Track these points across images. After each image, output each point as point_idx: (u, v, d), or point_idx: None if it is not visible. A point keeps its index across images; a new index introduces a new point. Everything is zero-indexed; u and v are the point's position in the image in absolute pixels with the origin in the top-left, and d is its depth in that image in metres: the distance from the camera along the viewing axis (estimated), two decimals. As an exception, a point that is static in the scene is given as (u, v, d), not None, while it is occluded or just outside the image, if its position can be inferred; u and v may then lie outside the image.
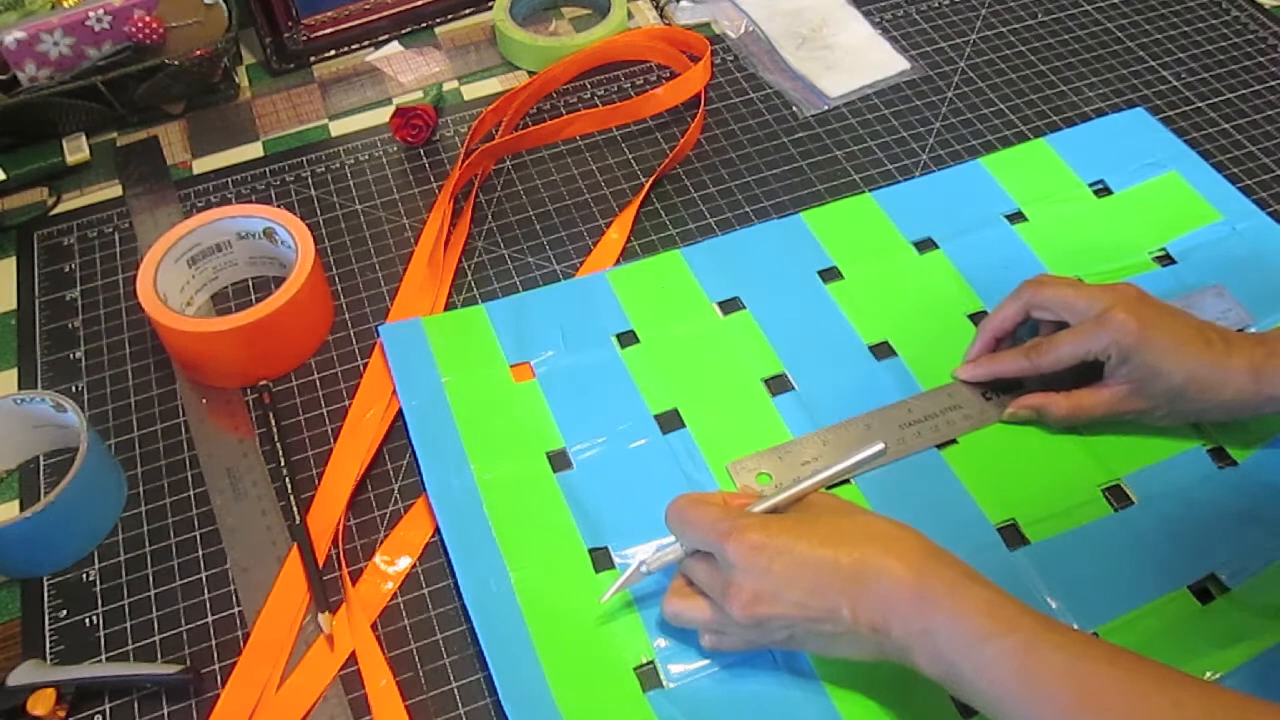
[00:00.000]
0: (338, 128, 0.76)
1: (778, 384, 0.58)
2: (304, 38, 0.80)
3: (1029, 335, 0.57)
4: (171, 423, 0.59)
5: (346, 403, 0.59)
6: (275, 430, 0.57)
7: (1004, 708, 0.38)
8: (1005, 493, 0.53)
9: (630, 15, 0.83)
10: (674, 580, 0.47)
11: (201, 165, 0.74)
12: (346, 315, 0.64)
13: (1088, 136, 0.71)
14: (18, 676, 0.47)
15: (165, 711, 0.48)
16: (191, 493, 0.55)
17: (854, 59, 0.79)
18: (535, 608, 0.49)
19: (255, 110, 0.78)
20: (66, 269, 0.67)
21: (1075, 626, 0.47)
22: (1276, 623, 0.47)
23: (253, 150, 0.75)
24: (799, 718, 0.46)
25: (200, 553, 0.53)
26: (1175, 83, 0.77)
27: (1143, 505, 0.52)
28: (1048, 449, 0.55)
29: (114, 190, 0.72)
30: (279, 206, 0.66)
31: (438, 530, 0.53)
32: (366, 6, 0.82)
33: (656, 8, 0.86)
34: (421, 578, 0.52)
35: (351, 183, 0.72)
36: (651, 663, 0.48)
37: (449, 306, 0.64)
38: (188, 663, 0.49)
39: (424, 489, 0.54)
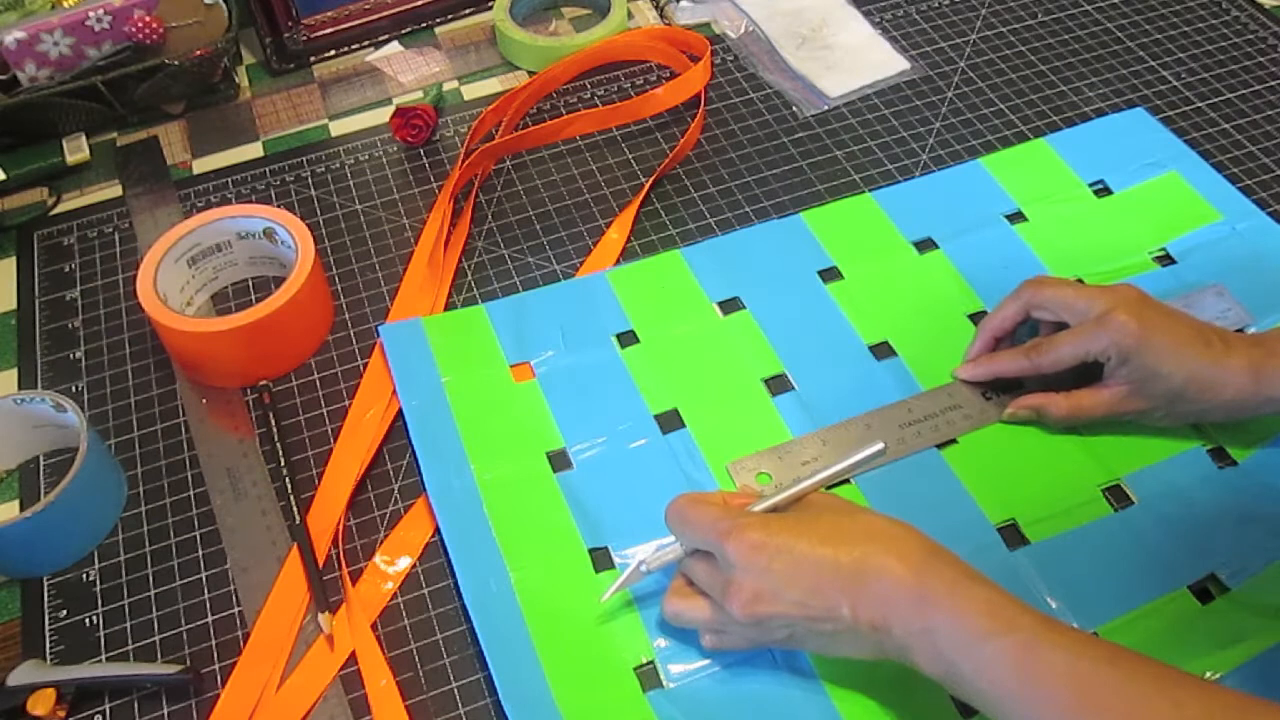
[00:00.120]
0: (338, 128, 0.76)
1: (778, 384, 0.58)
2: (304, 38, 0.80)
3: (1028, 336, 0.57)
4: (171, 423, 0.59)
5: (346, 403, 0.59)
6: (275, 430, 0.57)
7: (1004, 707, 0.38)
8: (1005, 493, 0.53)
9: (630, 15, 0.83)
10: (674, 580, 0.48)
11: (201, 165, 0.74)
12: (346, 315, 0.64)
13: (1088, 136, 0.71)
14: (18, 676, 0.47)
15: (165, 711, 0.48)
16: (191, 493, 0.55)
17: (854, 59, 0.79)
18: (535, 608, 0.49)
19: (255, 110, 0.78)
20: (66, 269, 0.67)
21: (1075, 626, 0.47)
22: (1276, 623, 0.47)
23: (253, 150, 0.75)
24: (799, 718, 0.46)
25: (200, 553, 0.53)
26: (1175, 83, 0.77)
27: (1143, 505, 0.52)
28: (1048, 449, 0.55)
29: (114, 190, 0.72)
30: (279, 206, 0.66)
31: (438, 530, 0.53)
32: (366, 6, 0.82)
33: (656, 8, 0.86)
34: (421, 578, 0.52)
35: (351, 183, 0.72)
36: (651, 663, 0.48)
37: (449, 306, 0.64)
38: (188, 663, 0.49)
39: (424, 489, 0.54)
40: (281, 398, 0.59)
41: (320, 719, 0.47)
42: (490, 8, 0.84)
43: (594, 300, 0.62)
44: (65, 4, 0.73)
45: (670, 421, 0.57)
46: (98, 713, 0.48)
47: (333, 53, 0.82)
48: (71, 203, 0.72)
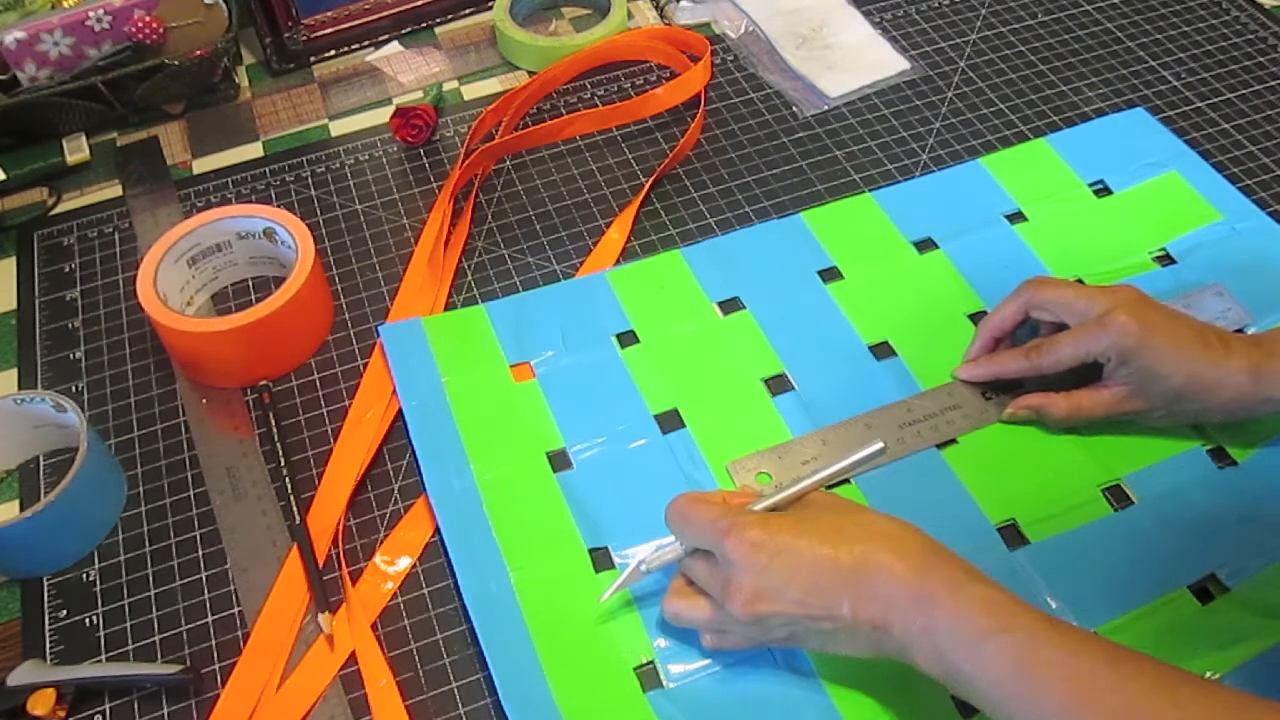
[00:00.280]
0: (338, 128, 0.76)
1: (778, 384, 0.58)
2: (304, 38, 0.80)
3: (1028, 336, 0.57)
4: (171, 423, 0.59)
5: (346, 403, 0.59)
6: (275, 430, 0.57)
7: (1004, 706, 0.38)
8: (1005, 493, 0.53)
9: (630, 15, 0.83)
10: (674, 580, 0.47)
11: (201, 165, 0.74)
12: (346, 315, 0.64)
13: (1088, 136, 0.71)
14: (18, 676, 0.47)
15: (165, 711, 0.48)
16: (191, 493, 0.55)
17: (854, 59, 0.79)
18: (535, 608, 0.49)
19: (255, 110, 0.78)
20: (66, 269, 0.67)
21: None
22: (1276, 623, 0.47)
23: (253, 150, 0.75)
24: (799, 718, 0.46)
25: (200, 553, 0.53)
26: (1175, 83, 0.77)
27: (1143, 505, 0.52)
28: (1047, 449, 0.55)
29: (114, 190, 0.72)
30: (279, 206, 0.66)
31: (438, 530, 0.53)
32: (366, 6, 0.82)
33: (656, 8, 0.86)
34: (421, 578, 0.52)
35: (351, 183, 0.72)
36: (651, 663, 0.48)
37: (449, 306, 0.64)
38: (188, 663, 0.49)
39: (424, 489, 0.54)
40: (281, 398, 0.59)
41: (320, 719, 0.47)
42: (490, 8, 0.84)
43: (594, 300, 0.62)
44: (65, 4, 0.73)
45: (670, 421, 0.57)
46: (98, 713, 0.48)
47: (333, 53, 0.82)
48: (71, 203, 0.72)
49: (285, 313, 0.57)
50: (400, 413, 0.58)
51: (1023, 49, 0.80)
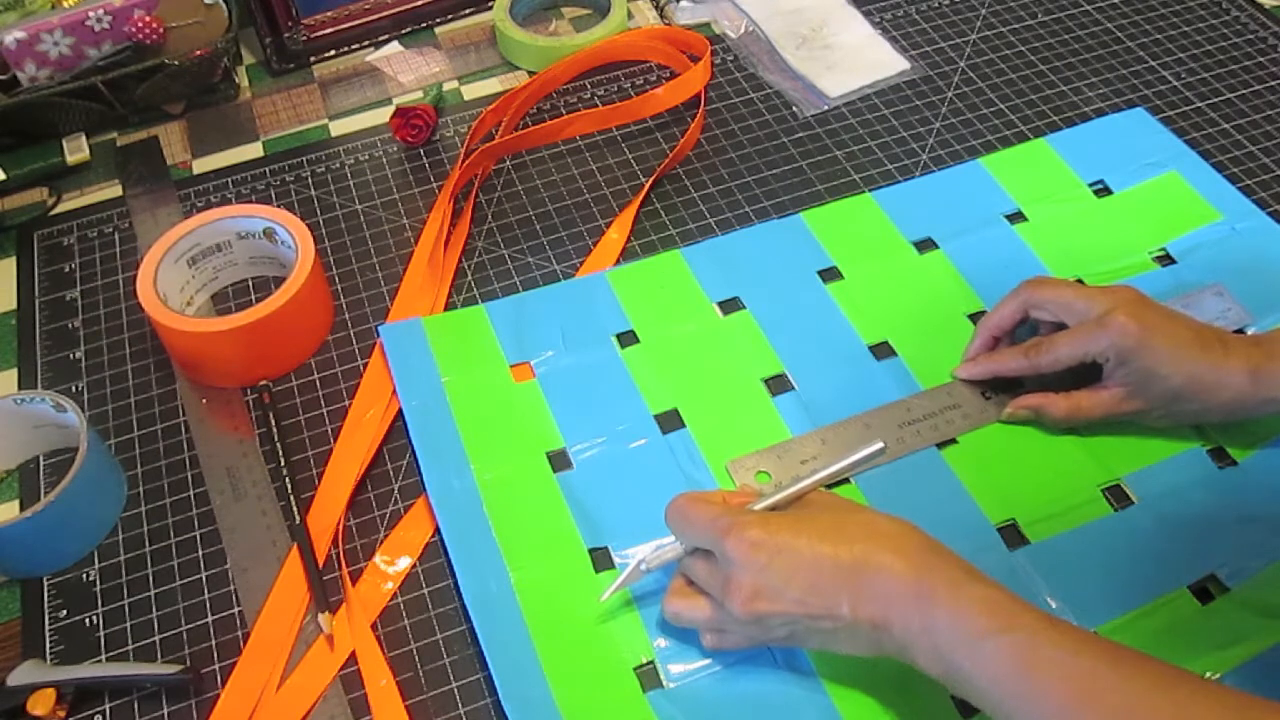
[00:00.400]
0: (338, 128, 0.76)
1: (777, 384, 0.58)
2: (304, 38, 0.80)
3: (1027, 336, 0.57)
4: (171, 423, 0.59)
5: (346, 403, 0.59)
6: (275, 430, 0.57)
7: (1003, 705, 0.38)
8: (1005, 493, 0.53)
9: (630, 15, 0.83)
10: (674, 580, 0.48)
11: (201, 165, 0.74)
12: (346, 315, 0.64)
13: (1088, 136, 0.71)
14: (18, 676, 0.47)
15: (165, 711, 0.48)
16: (191, 493, 0.55)
17: (854, 59, 0.79)
18: (535, 608, 0.49)
19: (255, 110, 0.78)
20: (66, 269, 0.67)
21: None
22: (1276, 623, 0.47)
23: (253, 150, 0.75)
24: (799, 717, 0.46)
25: (200, 553, 0.53)
26: (1175, 83, 0.77)
27: (1143, 505, 0.52)
28: (1047, 449, 0.55)
29: (114, 190, 0.72)
30: (279, 206, 0.66)
31: (438, 530, 0.53)
32: (366, 6, 0.82)
33: (656, 8, 0.86)
34: (421, 578, 0.52)
35: (351, 183, 0.72)
36: (651, 663, 0.48)
37: (449, 306, 0.64)
38: (188, 663, 0.49)
39: (424, 489, 0.54)
40: (281, 398, 0.59)
41: (320, 719, 0.47)
42: (490, 8, 0.84)
43: (594, 300, 0.62)
44: (65, 4, 0.73)
45: (670, 421, 0.57)
46: (98, 713, 0.48)
47: (333, 53, 0.82)
48: (71, 203, 0.72)
49: (285, 313, 0.57)
50: (400, 413, 0.58)
51: (1023, 49, 0.80)
